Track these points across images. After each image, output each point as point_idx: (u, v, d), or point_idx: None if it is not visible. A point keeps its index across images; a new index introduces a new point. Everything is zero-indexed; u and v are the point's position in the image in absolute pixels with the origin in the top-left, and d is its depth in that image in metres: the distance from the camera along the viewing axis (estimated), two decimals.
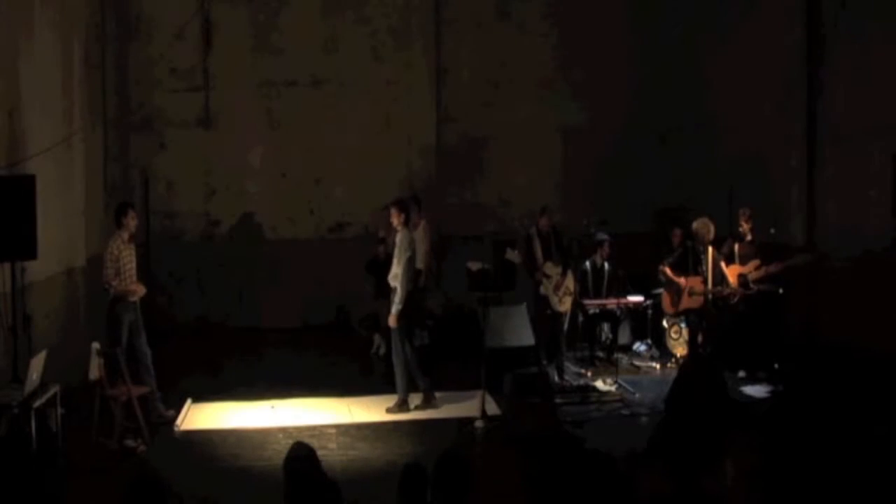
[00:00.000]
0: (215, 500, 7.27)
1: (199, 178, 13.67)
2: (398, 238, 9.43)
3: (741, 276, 10.23)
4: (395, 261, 9.40)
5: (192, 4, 13.49)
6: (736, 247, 10.45)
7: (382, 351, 11.69)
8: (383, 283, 12.17)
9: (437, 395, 9.65)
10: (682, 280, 10.34)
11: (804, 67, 11.59)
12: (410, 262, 9.38)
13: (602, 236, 11.32)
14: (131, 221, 8.95)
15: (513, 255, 10.39)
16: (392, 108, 13.94)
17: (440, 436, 8.55)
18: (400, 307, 9.33)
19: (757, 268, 10.22)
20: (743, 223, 10.41)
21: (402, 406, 9.36)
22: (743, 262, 10.35)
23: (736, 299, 10.20)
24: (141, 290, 8.99)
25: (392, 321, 9.35)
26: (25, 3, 9.18)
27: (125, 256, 8.88)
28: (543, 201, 11.94)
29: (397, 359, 9.42)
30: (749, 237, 10.46)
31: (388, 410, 9.34)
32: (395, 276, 9.39)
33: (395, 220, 9.42)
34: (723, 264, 10.36)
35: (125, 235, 8.93)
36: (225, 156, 13.68)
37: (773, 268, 10.15)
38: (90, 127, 11.26)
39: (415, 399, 9.45)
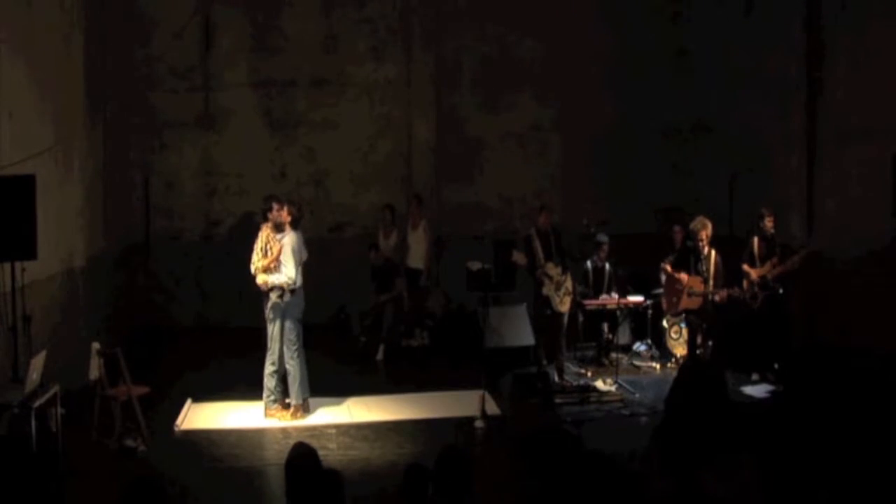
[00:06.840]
0: (215, 500, 7.28)
1: (199, 178, 13.66)
2: (287, 239, 9.18)
3: (762, 277, 10.21)
4: (290, 262, 9.11)
5: (192, 4, 13.49)
6: (756, 247, 10.38)
7: (380, 356, 11.72)
8: (381, 288, 12.19)
9: (438, 395, 9.62)
10: (683, 276, 10.29)
11: (804, 67, 11.59)
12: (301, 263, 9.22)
13: (602, 238, 11.31)
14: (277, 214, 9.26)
15: (519, 257, 10.40)
16: (392, 108, 13.93)
17: (440, 436, 8.54)
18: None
19: (774, 266, 10.19)
20: (767, 222, 10.31)
21: (301, 410, 9.21)
22: (762, 263, 10.32)
23: (758, 303, 10.18)
24: None
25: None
26: (25, 3, 9.17)
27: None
28: (543, 201, 11.92)
29: (298, 360, 9.16)
30: (770, 235, 10.37)
31: (293, 416, 9.13)
32: (289, 277, 9.12)
33: (283, 219, 9.23)
34: (745, 267, 10.33)
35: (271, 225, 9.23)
36: (225, 156, 13.67)
37: (780, 268, 10.13)
38: (90, 127, 11.25)
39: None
